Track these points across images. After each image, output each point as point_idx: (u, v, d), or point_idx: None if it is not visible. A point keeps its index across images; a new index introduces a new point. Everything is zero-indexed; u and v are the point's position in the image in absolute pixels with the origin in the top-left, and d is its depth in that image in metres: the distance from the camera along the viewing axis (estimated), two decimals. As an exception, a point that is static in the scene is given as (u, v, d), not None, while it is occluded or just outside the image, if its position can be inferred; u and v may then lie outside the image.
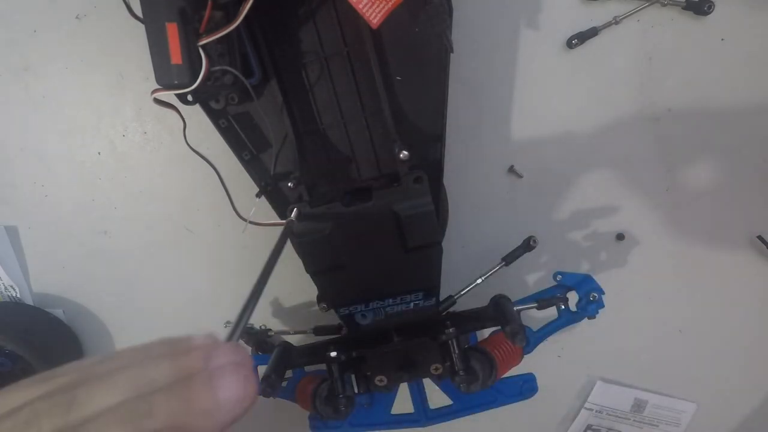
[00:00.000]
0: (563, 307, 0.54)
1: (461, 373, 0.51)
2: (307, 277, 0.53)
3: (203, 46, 0.42)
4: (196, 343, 0.25)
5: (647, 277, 0.67)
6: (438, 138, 0.51)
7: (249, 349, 0.63)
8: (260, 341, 0.64)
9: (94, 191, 0.67)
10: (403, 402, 0.60)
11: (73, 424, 0.21)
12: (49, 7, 0.62)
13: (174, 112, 0.47)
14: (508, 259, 0.58)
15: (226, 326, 0.67)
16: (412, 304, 0.53)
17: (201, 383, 0.23)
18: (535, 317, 0.58)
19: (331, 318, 0.58)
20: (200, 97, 0.49)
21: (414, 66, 0.49)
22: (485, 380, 0.51)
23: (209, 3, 0.41)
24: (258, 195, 0.53)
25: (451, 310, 0.58)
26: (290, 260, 0.53)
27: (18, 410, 0.21)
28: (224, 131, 0.52)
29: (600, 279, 0.53)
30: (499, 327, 0.53)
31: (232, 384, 0.23)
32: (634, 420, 0.72)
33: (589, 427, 0.73)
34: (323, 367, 0.54)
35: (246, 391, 0.24)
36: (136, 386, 0.22)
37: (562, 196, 0.65)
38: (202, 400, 0.23)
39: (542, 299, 0.54)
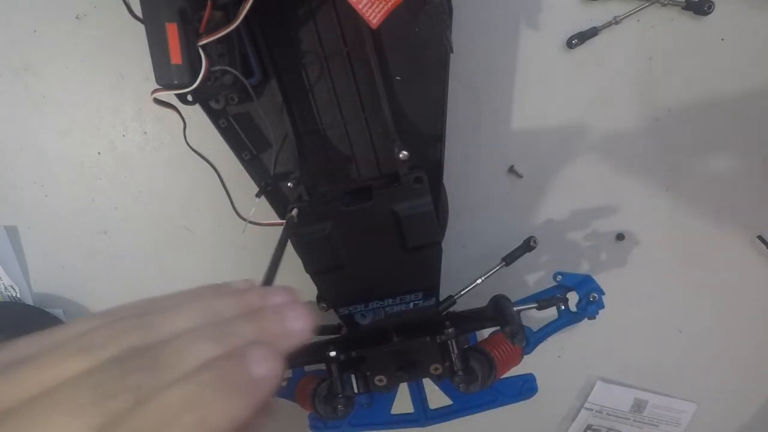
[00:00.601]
0: (563, 307, 0.54)
1: (460, 373, 0.51)
2: (307, 276, 0.53)
3: (203, 46, 0.42)
4: (243, 286, 0.26)
5: (647, 277, 0.67)
6: (438, 138, 0.51)
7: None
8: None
9: (94, 191, 0.67)
10: (403, 402, 0.60)
11: (156, 341, 0.21)
12: (49, 7, 0.62)
13: (174, 112, 0.47)
14: (508, 259, 0.58)
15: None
16: (411, 304, 0.54)
17: (271, 313, 0.24)
18: (535, 317, 0.58)
19: (331, 318, 0.58)
20: (200, 97, 0.49)
21: (414, 66, 0.49)
22: (484, 380, 0.51)
23: (209, 3, 0.41)
24: (258, 195, 0.53)
25: (450, 310, 0.58)
26: (290, 259, 0.52)
27: (93, 330, 0.21)
28: (224, 131, 0.52)
29: (600, 279, 0.53)
30: (498, 327, 0.53)
31: (297, 315, 0.24)
32: (634, 420, 0.72)
33: (589, 427, 0.73)
34: (323, 366, 0.54)
35: (308, 323, 0.24)
36: (211, 314, 0.23)
37: (562, 196, 0.65)
38: (276, 327, 0.23)
39: (542, 299, 0.54)
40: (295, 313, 0.24)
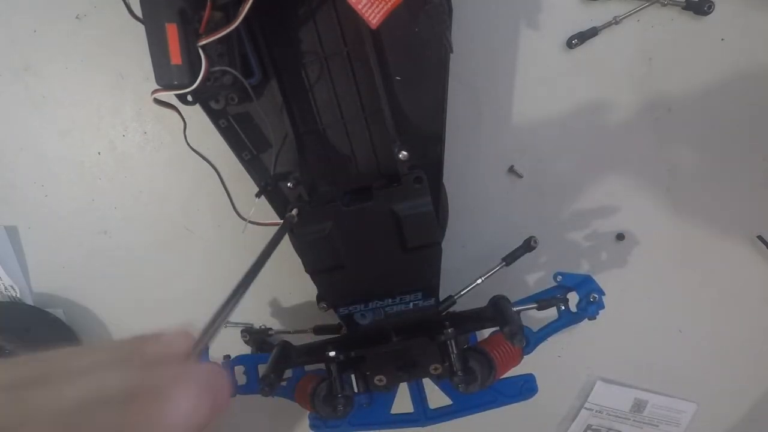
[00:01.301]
0: (563, 307, 0.54)
1: (459, 373, 0.51)
2: (307, 276, 0.53)
3: (203, 47, 0.42)
4: (159, 346, 0.26)
5: (647, 277, 0.67)
6: (438, 138, 0.51)
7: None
8: (260, 341, 0.64)
9: (94, 191, 0.67)
10: (402, 402, 0.60)
11: (12, 423, 0.21)
12: (49, 7, 0.62)
13: (174, 112, 0.47)
14: (509, 259, 0.58)
15: (226, 326, 0.67)
16: (411, 304, 0.54)
17: (148, 398, 0.22)
18: (536, 318, 0.58)
19: (332, 317, 0.58)
20: (200, 98, 0.49)
21: (414, 66, 0.49)
22: (484, 381, 0.51)
23: (209, 4, 0.41)
24: (258, 195, 0.53)
25: (450, 310, 0.58)
26: (290, 260, 0.53)
27: None
28: (224, 131, 0.52)
29: (600, 279, 0.53)
30: (498, 327, 0.53)
31: (182, 401, 0.22)
32: (634, 420, 0.72)
33: (589, 427, 0.73)
34: (323, 366, 0.54)
35: (194, 409, 0.23)
36: (85, 394, 0.22)
37: (562, 196, 0.65)
38: (145, 415, 0.22)
39: (542, 300, 0.54)
40: (183, 395, 0.23)
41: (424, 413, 0.59)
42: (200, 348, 0.27)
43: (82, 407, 0.22)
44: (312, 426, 0.59)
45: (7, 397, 0.22)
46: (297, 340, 0.58)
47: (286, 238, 0.50)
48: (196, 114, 0.50)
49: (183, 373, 0.24)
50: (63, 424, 0.21)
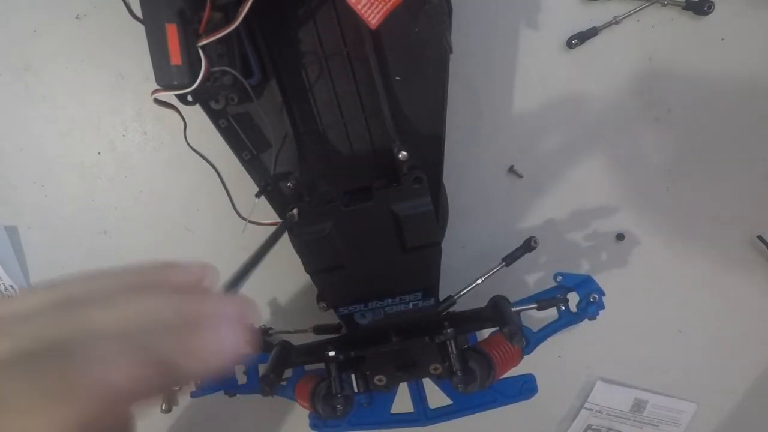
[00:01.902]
0: (563, 308, 0.54)
1: (459, 373, 0.51)
2: (307, 276, 0.53)
3: (203, 47, 0.42)
4: (186, 276, 0.26)
5: (647, 277, 0.67)
6: (438, 138, 0.51)
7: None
8: (260, 340, 0.64)
9: (94, 191, 0.67)
10: (403, 402, 0.60)
11: (74, 341, 0.21)
12: (49, 7, 0.62)
13: (174, 112, 0.47)
14: (509, 259, 0.58)
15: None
16: (411, 304, 0.54)
17: (203, 329, 0.23)
18: (536, 318, 0.58)
19: (332, 317, 0.58)
20: (200, 98, 0.49)
21: (414, 66, 0.49)
22: (483, 381, 0.51)
23: (208, 4, 0.41)
24: (258, 195, 0.53)
25: (450, 310, 0.58)
26: (290, 259, 0.53)
27: (21, 314, 0.21)
28: (224, 131, 0.52)
29: (600, 279, 0.53)
30: (498, 327, 0.53)
31: (230, 335, 0.24)
32: (634, 420, 0.72)
33: (589, 427, 0.73)
34: (323, 366, 0.54)
35: (239, 345, 0.24)
36: (143, 315, 0.22)
37: (562, 196, 0.65)
38: (204, 344, 0.23)
39: (542, 300, 0.54)
40: (230, 333, 0.24)
41: (424, 413, 0.59)
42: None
43: (142, 328, 0.22)
44: (312, 426, 0.59)
45: (66, 315, 0.21)
46: (297, 340, 0.58)
47: (286, 238, 0.50)
48: (196, 114, 0.50)
49: (223, 302, 0.25)
50: (130, 343, 0.21)
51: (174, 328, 0.23)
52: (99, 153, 0.66)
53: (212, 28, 0.42)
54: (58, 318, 0.21)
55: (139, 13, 0.42)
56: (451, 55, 0.49)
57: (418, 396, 0.59)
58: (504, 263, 0.58)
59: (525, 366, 0.56)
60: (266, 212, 0.54)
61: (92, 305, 0.22)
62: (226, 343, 0.23)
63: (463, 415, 0.57)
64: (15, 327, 0.21)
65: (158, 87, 0.43)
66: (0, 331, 0.20)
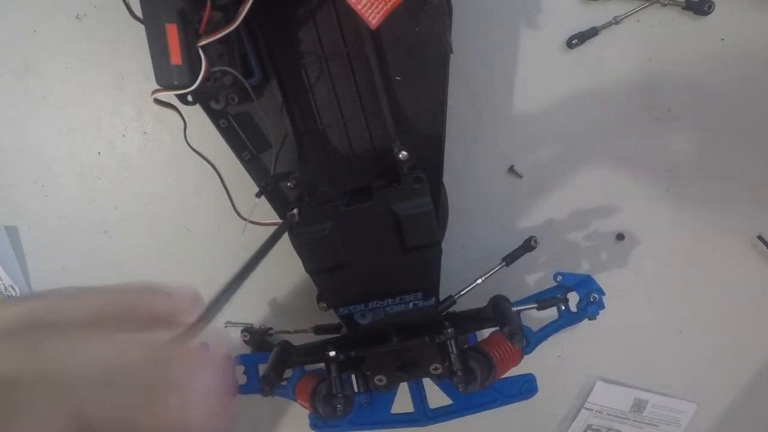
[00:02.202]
0: (563, 307, 0.54)
1: (459, 373, 0.51)
2: (307, 276, 0.53)
3: (203, 47, 0.42)
4: (170, 305, 0.23)
5: (647, 277, 0.67)
6: (438, 138, 0.51)
7: (244, 349, 0.63)
8: (260, 340, 0.64)
9: (94, 191, 0.67)
10: (403, 401, 0.60)
11: (32, 376, 0.18)
12: (49, 7, 0.62)
13: (174, 112, 0.47)
14: (509, 259, 0.58)
15: (226, 326, 0.67)
16: (411, 304, 0.54)
17: (174, 395, 0.21)
18: (536, 317, 0.58)
19: (332, 317, 0.58)
20: (200, 98, 0.49)
21: (414, 66, 0.49)
22: (483, 381, 0.51)
23: (209, 4, 0.41)
24: (258, 195, 0.53)
25: (450, 310, 0.58)
26: (290, 259, 0.53)
27: None
28: (224, 131, 0.52)
29: (600, 279, 0.53)
30: (498, 327, 0.53)
31: (204, 408, 0.21)
32: (634, 420, 0.72)
33: (589, 427, 0.73)
34: (324, 366, 0.54)
35: (215, 417, 0.21)
36: (112, 355, 0.20)
37: (562, 196, 0.65)
38: (168, 414, 0.20)
39: (542, 300, 0.54)
40: (206, 402, 0.21)
41: (424, 413, 0.59)
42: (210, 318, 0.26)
43: (106, 376, 0.19)
44: (312, 426, 0.59)
45: (22, 345, 0.19)
46: (297, 340, 0.58)
47: (286, 238, 0.50)
48: (196, 114, 0.50)
49: (201, 357, 0.22)
50: (87, 396, 0.19)
51: (143, 382, 0.20)
52: (99, 153, 0.66)
53: (212, 28, 0.42)
54: (12, 347, 0.19)
55: (139, 13, 0.42)
56: (452, 55, 0.49)
57: (418, 396, 0.59)
58: (504, 263, 0.58)
59: (525, 366, 0.56)
60: (266, 212, 0.54)
61: (57, 335, 0.20)
62: (197, 412, 0.20)
63: (463, 415, 0.57)
64: None
65: (158, 87, 0.43)
66: None
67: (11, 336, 0.19)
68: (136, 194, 0.67)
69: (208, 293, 0.70)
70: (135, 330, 0.22)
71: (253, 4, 0.41)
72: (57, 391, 0.18)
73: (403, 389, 0.59)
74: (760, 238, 0.64)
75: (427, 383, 0.59)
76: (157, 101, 0.44)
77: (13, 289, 0.69)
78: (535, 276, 0.67)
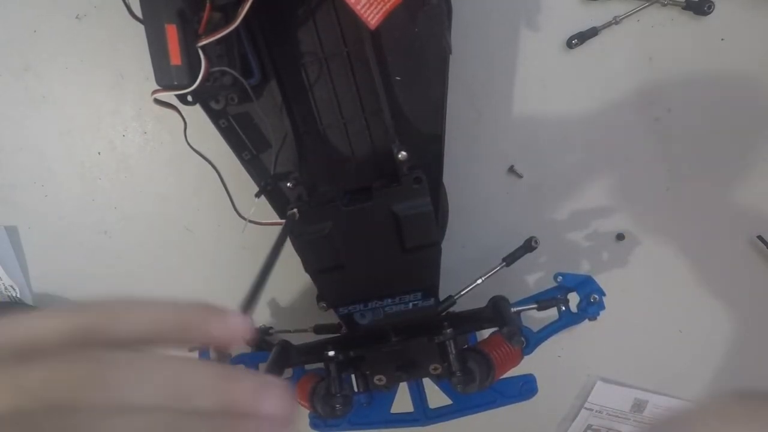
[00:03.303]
0: (564, 308, 0.54)
1: (458, 373, 0.51)
2: (307, 276, 0.53)
3: (202, 47, 0.42)
4: (225, 329, 0.22)
5: (647, 277, 0.67)
6: (438, 138, 0.51)
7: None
8: (260, 340, 0.64)
9: (94, 191, 0.67)
10: (403, 401, 0.60)
11: (86, 409, 0.17)
12: (49, 7, 0.62)
13: (174, 112, 0.47)
14: (509, 259, 0.58)
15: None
16: (410, 304, 0.54)
17: (242, 423, 0.20)
18: (536, 318, 0.58)
19: (331, 317, 0.58)
20: (200, 98, 0.49)
21: (413, 66, 0.49)
22: (482, 381, 0.51)
23: (208, 4, 0.41)
24: (258, 195, 0.53)
25: (450, 310, 0.58)
26: (290, 259, 0.53)
27: (37, 361, 0.18)
28: (224, 131, 0.52)
29: (600, 279, 0.53)
30: (497, 328, 0.53)
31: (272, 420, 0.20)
32: (634, 420, 0.72)
33: (589, 427, 0.73)
34: (324, 365, 0.55)
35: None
36: (173, 393, 0.19)
37: (562, 196, 0.65)
38: None
39: (542, 300, 0.54)
40: (271, 428, 0.20)
41: (424, 413, 0.59)
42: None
43: (171, 410, 0.18)
44: (312, 425, 0.59)
45: (81, 358, 0.18)
46: (297, 340, 0.58)
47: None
48: (196, 114, 0.50)
49: (265, 389, 0.21)
50: (150, 426, 0.18)
51: (210, 418, 0.19)
52: (99, 153, 0.66)
53: (212, 29, 0.42)
54: (71, 363, 0.18)
55: (139, 13, 0.42)
56: (451, 55, 0.49)
57: (418, 396, 0.59)
58: (504, 263, 0.58)
59: (525, 366, 0.56)
60: (266, 212, 0.54)
61: (114, 353, 0.19)
62: None
63: (463, 415, 0.57)
64: (22, 374, 0.17)
65: (158, 87, 0.43)
66: (5, 378, 0.17)
67: (68, 348, 0.19)
68: (136, 194, 0.67)
69: (208, 294, 0.71)
70: (186, 349, 0.22)
71: (252, 4, 0.40)
72: (122, 418, 0.17)
73: (403, 389, 0.59)
74: (760, 238, 0.64)
75: (427, 383, 0.59)
76: (157, 101, 0.44)
77: (13, 289, 0.69)
78: (535, 276, 0.67)
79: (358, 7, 0.40)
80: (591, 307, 0.53)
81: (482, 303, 0.55)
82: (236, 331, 0.23)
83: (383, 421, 0.59)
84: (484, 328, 0.56)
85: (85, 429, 0.17)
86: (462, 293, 0.58)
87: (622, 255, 0.66)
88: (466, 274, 0.59)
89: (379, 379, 0.54)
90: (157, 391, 0.18)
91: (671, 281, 0.67)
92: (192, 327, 0.22)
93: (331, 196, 0.51)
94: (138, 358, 0.19)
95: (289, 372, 0.58)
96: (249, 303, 0.30)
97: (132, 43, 0.61)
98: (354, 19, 0.42)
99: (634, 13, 0.58)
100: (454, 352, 0.51)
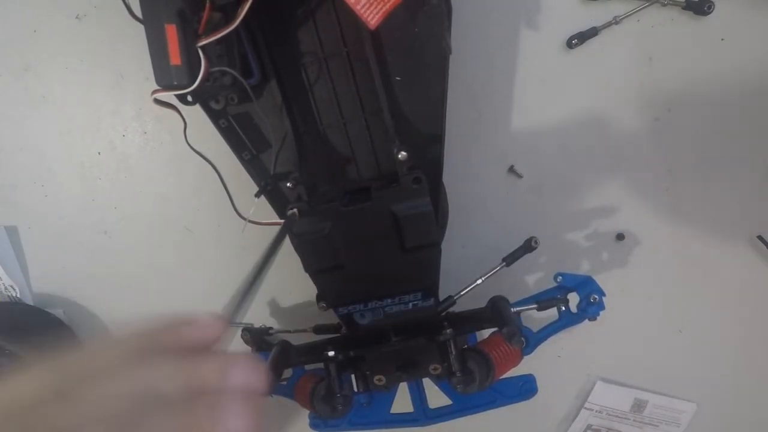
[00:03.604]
0: (563, 308, 0.54)
1: (458, 374, 0.51)
2: (307, 276, 0.53)
3: (202, 47, 0.42)
4: (196, 332, 0.25)
5: (647, 277, 0.67)
6: (437, 138, 0.51)
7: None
8: (260, 340, 0.64)
9: (94, 191, 0.67)
10: (403, 401, 0.60)
11: (69, 427, 0.20)
12: (49, 7, 0.62)
13: (174, 112, 0.47)
14: (509, 259, 0.58)
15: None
16: (410, 304, 0.54)
17: (208, 409, 0.22)
18: (536, 318, 0.58)
19: (331, 317, 0.58)
20: (200, 98, 0.49)
21: (413, 66, 0.49)
22: (482, 381, 0.51)
23: (208, 5, 0.41)
24: (258, 195, 0.53)
25: (450, 310, 0.58)
26: (290, 259, 0.53)
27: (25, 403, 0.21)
28: (224, 131, 0.52)
29: (600, 279, 0.53)
30: (497, 328, 0.53)
31: (239, 417, 0.22)
32: (634, 420, 0.72)
33: (589, 427, 0.73)
34: (323, 365, 0.55)
35: (250, 427, 0.22)
36: (144, 389, 0.22)
37: (562, 196, 0.65)
38: (205, 428, 0.22)
39: (542, 300, 0.54)
40: (240, 411, 0.22)
41: (424, 413, 0.59)
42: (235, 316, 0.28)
43: (137, 406, 0.21)
44: (312, 425, 0.59)
45: (57, 400, 0.21)
46: (297, 340, 0.58)
47: (286, 238, 0.50)
48: (196, 114, 0.50)
49: (231, 365, 0.24)
50: (120, 425, 0.21)
51: (171, 402, 0.22)
52: (99, 153, 0.66)
53: (212, 29, 0.42)
54: (57, 406, 0.21)
55: (139, 13, 0.42)
56: (451, 55, 0.49)
57: (418, 396, 0.59)
58: (504, 263, 0.58)
59: (525, 366, 0.56)
60: (266, 212, 0.54)
61: (82, 386, 0.22)
62: (234, 425, 0.22)
63: (463, 415, 0.57)
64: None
65: (158, 87, 0.43)
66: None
67: (52, 394, 0.21)
68: (136, 194, 0.67)
69: (208, 293, 0.71)
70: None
71: (252, 4, 0.41)
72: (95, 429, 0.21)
73: (403, 389, 0.59)
74: (760, 238, 0.64)
75: (427, 383, 0.59)
76: (157, 101, 0.44)
77: (13, 289, 0.69)
78: (535, 276, 0.67)
79: (358, 7, 0.40)
80: (591, 308, 0.53)
81: (482, 303, 0.55)
82: (205, 331, 0.26)
83: (383, 421, 0.59)
84: (484, 328, 0.56)
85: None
86: (462, 293, 0.58)
87: (622, 255, 0.66)
88: (466, 274, 0.59)
89: (379, 379, 0.54)
90: (124, 389, 0.22)
91: (671, 281, 0.67)
92: (165, 342, 0.24)
93: (330, 196, 0.51)
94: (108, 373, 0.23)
95: (289, 372, 0.58)
96: (235, 305, 0.31)
97: (132, 43, 0.61)
98: (354, 19, 0.42)
99: (634, 13, 0.58)
100: (454, 352, 0.51)
